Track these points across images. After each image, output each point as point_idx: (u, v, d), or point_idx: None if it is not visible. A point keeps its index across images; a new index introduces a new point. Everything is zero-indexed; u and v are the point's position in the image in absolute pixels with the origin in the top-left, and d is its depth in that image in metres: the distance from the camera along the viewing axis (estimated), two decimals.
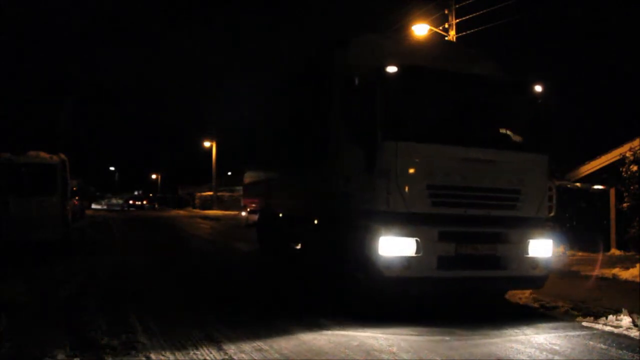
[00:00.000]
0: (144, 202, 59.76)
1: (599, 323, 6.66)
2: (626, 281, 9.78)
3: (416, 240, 6.37)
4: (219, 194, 52.59)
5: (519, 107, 7.35)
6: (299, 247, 10.03)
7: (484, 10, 15.91)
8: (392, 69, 6.48)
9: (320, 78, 8.37)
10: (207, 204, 53.24)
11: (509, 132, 7.36)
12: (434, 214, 6.52)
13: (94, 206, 50.67)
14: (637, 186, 12.73)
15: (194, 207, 56.02)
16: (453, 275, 6.60)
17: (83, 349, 5.18)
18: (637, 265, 10.44)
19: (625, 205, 13.11)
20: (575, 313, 7.22)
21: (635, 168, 12.75)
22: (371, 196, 6.58)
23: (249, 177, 14.17)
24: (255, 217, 12.99)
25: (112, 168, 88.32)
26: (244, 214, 16.39)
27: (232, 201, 49.07)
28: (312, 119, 8.71)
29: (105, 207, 58.82)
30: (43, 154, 12.80)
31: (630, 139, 13.57)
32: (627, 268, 10.51)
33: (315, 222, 8.35)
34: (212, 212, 43.11)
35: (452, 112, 7.06)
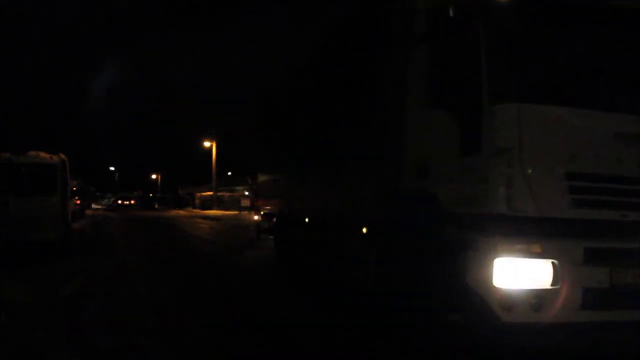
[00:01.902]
0: (132, 202, 60.51)
1: None
2: None
3: (553, 263, 4.16)
4: (219, 194, 52.60)
5: None
6: (335, 264, 7.59)
7: None
8: None
9: (383, 21, 5.93)
10: (207, 204, 53.28)
11: None
12: (576, 219, 4.28)
13: (94, 206, 50.89)
14: None
15: (194, 207, 56.09)
16: (606, 318, 4.28)
17: (83, 349, 5.18)
18: None
19: None
20: None
21: None
22: (475, 192, 4.38)
23: (262, 174, 12.52)
24: (271, 221, 11.30)
25: (112, 168, 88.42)
26: (256, 217, 14.62)
27: (232, 201, 49.07)
28: (364, 86, 6.38)
29: (105, 207, 59.23)
30: (43, 154, 12.79)
31: None
32: None
33: (364, 230, 6.21)
34: (212, 212, 43.14)
35: (596, 62, 4.64)
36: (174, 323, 6.24)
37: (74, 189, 22.34)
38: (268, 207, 11.87)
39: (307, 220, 8.67)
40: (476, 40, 4.41)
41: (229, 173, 58.46)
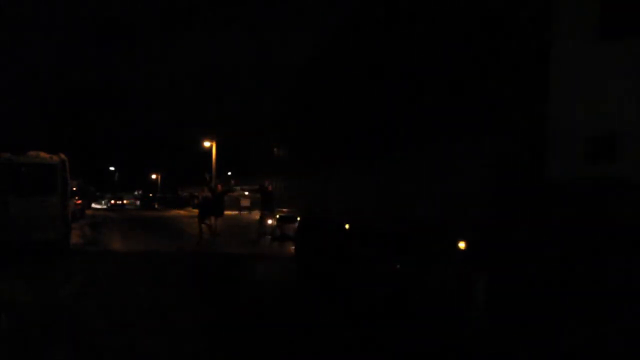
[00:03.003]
0: (125, 202, 61.45)
1: None
2: None
3: None
4: None
5: None
6: (397, 287, 5.48)
7: None
8: None
9: None
10: None
11: None
12: None
13: (94, 205, 51.08)
14: None
15: (194, 207, 56.07)
16: None
17: (83, 350, 5.19)
18: None
19: None
20: None
21: None
22: None
23: (281, 172, 11.26)
24: (290, 227, 10.00)
25: (112, 168, 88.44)
26: (270, 221, 13.41)
27: (231, 201, 49.02)
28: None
29: (105, 206, 59.50)
30: (43, 154, 12.79)
31: None
32: None
33: (461, 245, 4.14)
34: None
35: None
36: (174, 323, 6.25)
37: (74, 189, 22.34)
38: (285, 210, 10.42)
39: (347, 227, 6.80)
40: None
41: (229, 173, 58.44)
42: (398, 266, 5.48)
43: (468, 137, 4.09)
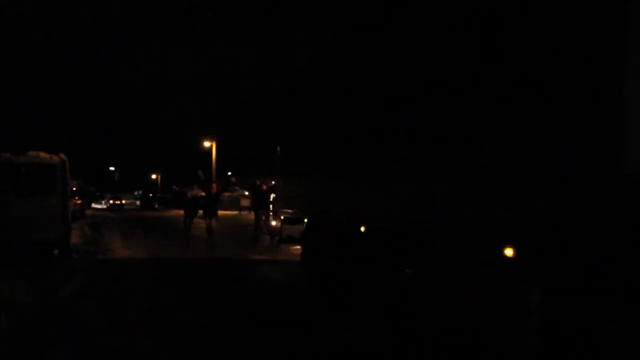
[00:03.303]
0: (123, 202, 62.00)
1: None
2: None
3: None
4: None
5: None
6: (422, 299, 4.92)
7: None
8: None
9: None
10: None
11: None
12: None
13: (94, 205, 51.18)
14: None
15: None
16: None
17: (83, 350, 5.19)
18: None
19: None
20: None
21: None
22: None
23: (287, 171, 10.52)
24: (295, 228, 9.89)
25: (112, 168, 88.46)
26: (274, 223, 13.33)
27: (231, 201, 49.07)
28: None
29: (105, 206, 59.66)
30: (43, 154, 12.79)
31: None
32: None
33: (508, 252, 3.44)
34: None
35: None
36: (174, 323, 6.26)
37: (74, 189, 22.35)
38: (290, 211, 10.16)
39: (362, 229, 6.35)
40: None
41: (229, 173, 58.57)
42: (408, 270, 5.06)
43: (504, 133, 3.54)
